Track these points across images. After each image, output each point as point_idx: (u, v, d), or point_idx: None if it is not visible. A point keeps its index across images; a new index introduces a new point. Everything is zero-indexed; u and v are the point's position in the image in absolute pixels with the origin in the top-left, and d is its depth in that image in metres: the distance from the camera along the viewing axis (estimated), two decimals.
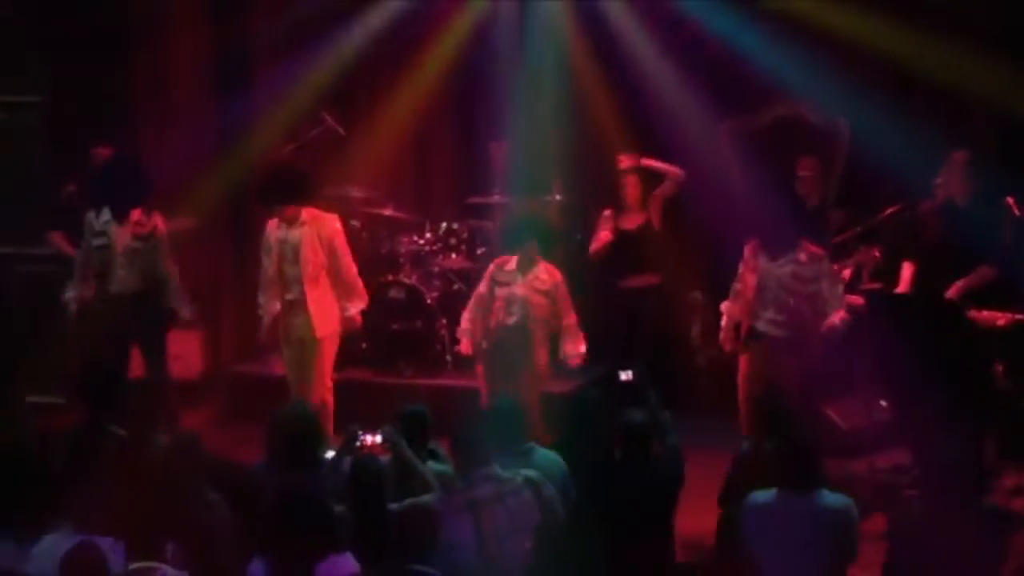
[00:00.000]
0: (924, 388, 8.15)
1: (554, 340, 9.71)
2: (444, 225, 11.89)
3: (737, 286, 9.17)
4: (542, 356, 9.61)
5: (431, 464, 7.37)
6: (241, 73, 12.08)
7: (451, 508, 6.80)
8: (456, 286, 11.56)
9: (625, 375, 8.35)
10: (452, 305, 11.38)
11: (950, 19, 10.49)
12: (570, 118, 11.52)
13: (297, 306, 9.65)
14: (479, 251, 11.79)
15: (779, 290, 8.90)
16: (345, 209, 11.18)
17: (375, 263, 11.47)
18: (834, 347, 9.06)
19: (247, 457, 7.86)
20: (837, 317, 8.77)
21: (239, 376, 11.56)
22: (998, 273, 8.71)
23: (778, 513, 6.63)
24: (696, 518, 7.87)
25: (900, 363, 8.44)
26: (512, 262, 9.64)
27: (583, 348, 9.65)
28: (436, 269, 11.65)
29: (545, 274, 9.57)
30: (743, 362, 9.08)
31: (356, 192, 11.82)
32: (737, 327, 9.09)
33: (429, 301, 11.26)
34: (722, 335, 9.26)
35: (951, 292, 8.76)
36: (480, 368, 9.84)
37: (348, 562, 6.09)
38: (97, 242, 9.84)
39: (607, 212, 10.88)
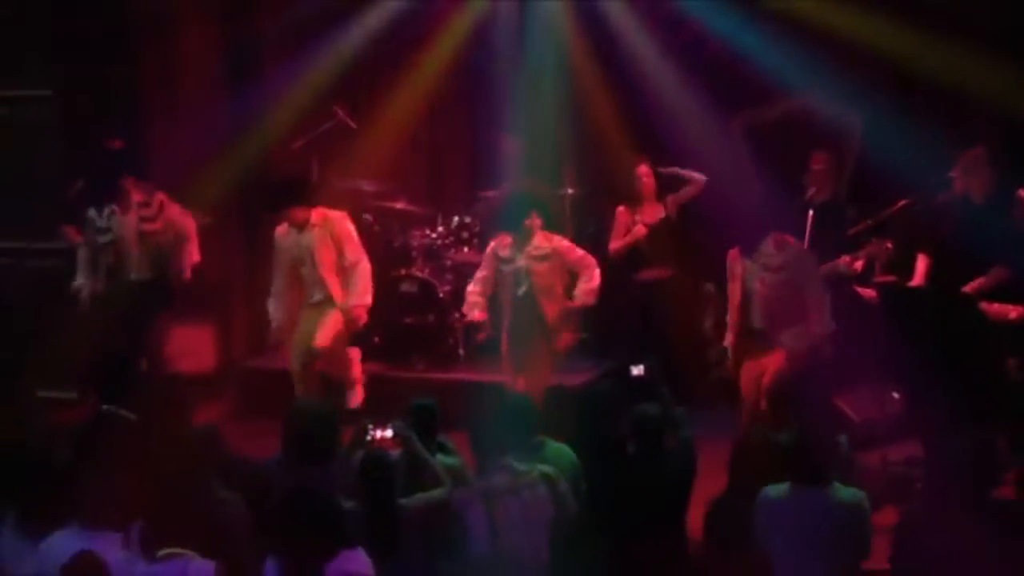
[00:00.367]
0: (936, 382, 8.13)
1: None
2: (456, 219, 11.89)
3: (729, 319, 9.38)
4: (560, 330, 9.65)
5: (440, 457, 7.39)
6: (250, 67, 12.08)
7: (465, 498, 6.82)
8: (468, 279, 11.51)
9: (637, 370, 8.34)
10: (464, 299, 11.38)
11: (952, 19, 10.48)
12: (577, 111, 11.54)
13: (326, 306, 9.78)
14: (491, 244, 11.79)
15: (761, 287, 9.06)
16: (357, 203, 11.21)
17: (387, 257, 11.49)
18: (843, 336, 9.10)
19: (259, 452, 7.86)
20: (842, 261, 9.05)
21: (251, 371, 11.57)
22: (1012, 273, 8.69)
23: (792, 507, 6.62)
24: None
25: (912, 356, 8.43)
26: (509, 239, 9.72)
27: (595, 283, 9.62)
28: (448, 263, 11.65)
29: (542, 241, 9.60)
30: (745, 367, 9.21)
31: (368, 186, 11.82)
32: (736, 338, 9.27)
33: (441, 295, 11.27)
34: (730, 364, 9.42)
35: (967, 290, 8.75)
36: (504, 349, 9.88)
37: (359, 558, 6.09)
38: (103, 239, 9.87)
39: (621, 208, 10.87)
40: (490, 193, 11.90)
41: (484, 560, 6.68)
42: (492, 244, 9.86)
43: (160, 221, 9.90)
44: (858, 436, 9.31)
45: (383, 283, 10.44)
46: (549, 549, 6.83)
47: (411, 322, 11.26)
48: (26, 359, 9.82)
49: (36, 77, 11.61)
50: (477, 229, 11.83)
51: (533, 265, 9.58)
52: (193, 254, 10.21)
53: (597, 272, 9.65)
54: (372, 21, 11.96)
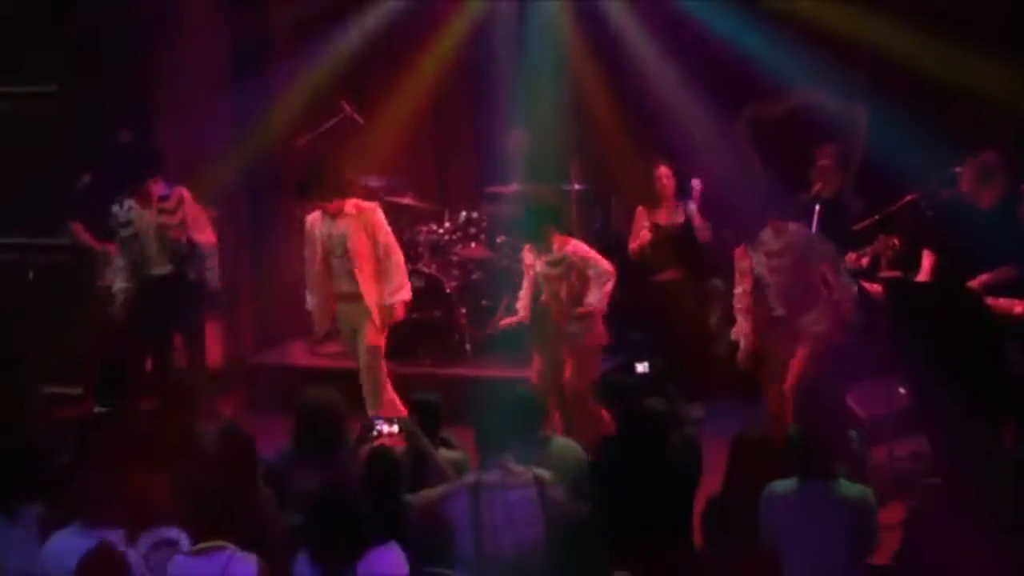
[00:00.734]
0: (942, 377, 8.13)
1: None
2: (463, 214, 11.90)
3: (737, 304, 9.30)
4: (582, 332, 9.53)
5: (442, 452, 7.41)
6: (257, 62, 12.10)
7: (453, 489, 6.84)
8: (475, 275, 11.56)
9: (641, 367, 8.35)
10: (471, 294, 11.42)
11: (956, 17, 10.49)
12: (580, 105, 11.55)
13: (351, 298, 9.66)
14: (498, 240, 11.80)
15: (768, 273, 9.03)
16: (364, 198, 11.19)
17: None
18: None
19: (267, 447, 7.88)
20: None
21: (258, 366, 11.58)
22: (1019, 271, 8.68)
23: (798, 502, 6.62)
24: None
25: (918, 351, 8.43)
26: (530, 247, 9.69)
27: (607, 289, 9.43)
28: (455, 258, 11.65)
29: (556, 246, 9.50)
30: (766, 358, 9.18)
31: (375, 181, 11.81)
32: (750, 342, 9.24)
33: (448, 290, 11.26)
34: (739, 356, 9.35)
35: (973, 284, 8.73)
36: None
37: (390, 556, 6.15)
38: (125, 233, 9.85)
39: (640, 209, 10.85)
40: (498, 190, 11.90)
41: (470, 551, 6.69)
42: (524, 249, 9.81)
43: (179, 216, 9.87)
44: (865, 432, 9.33)
45: None
46: (543, 551, 6.82)
47: (418, 317, 11.22)
48: (31, 355, 9.81)
49: (46, 72, 11.61)
50: (484, 225, 11.84)
51: (549, 272, 9.50)
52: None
53: (611, 279, 9.50)
54: (377, 18, 11.96)
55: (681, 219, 10.75)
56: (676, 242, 10.70)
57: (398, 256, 9.77)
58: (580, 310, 9.42)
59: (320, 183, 9.58)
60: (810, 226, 9.79)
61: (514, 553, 6.70)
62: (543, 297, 9.55)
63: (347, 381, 9.51)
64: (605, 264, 9.50)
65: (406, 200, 11.79)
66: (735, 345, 9.45)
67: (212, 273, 9.99)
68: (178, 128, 11.31)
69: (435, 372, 11.03)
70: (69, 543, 6.17)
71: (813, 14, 10.69)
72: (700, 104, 11.21)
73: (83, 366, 10.17)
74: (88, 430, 7.66)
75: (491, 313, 11.24)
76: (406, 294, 9.78)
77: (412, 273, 11.25)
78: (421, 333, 11.17)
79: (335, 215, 9.57)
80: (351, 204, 9.62)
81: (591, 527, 7.01)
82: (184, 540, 6.27)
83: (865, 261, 9.55)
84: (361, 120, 11.79)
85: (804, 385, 8.94)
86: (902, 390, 9.40)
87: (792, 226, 9.16)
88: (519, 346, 11.18)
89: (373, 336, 9.64)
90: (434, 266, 11.43)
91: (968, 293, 8.55)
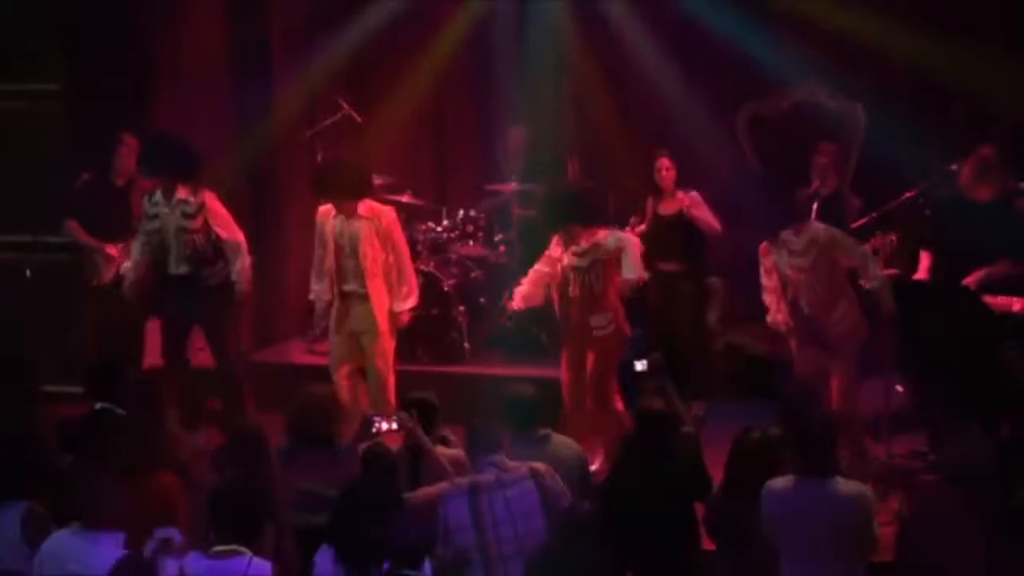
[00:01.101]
0: (940, 374, 8.14)
1: None
2: (461, 212, 11.89)
3: (767, 297, 9.11)
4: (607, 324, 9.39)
5: (441, 449, 7.42)
6: (258, 61, 12.10)
7: (451, 492, 6.84)
8: (473, 273, 11.56)
9: (640, 365, 8.34)
10: (469, 292, 11.41)
11: (959, 16, 10.50)
12: (581, 104, 11.56)
13: (354, 298, 9.54)
14: (496, 238, 11.81)
15: (792, 273, 8.84)
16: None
17: None
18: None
19: None
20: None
21: (257, 365, 11.56)
22: (1016, 266, 8.68)
23: (795, 498, 6.62)
24: None
25: (916, 349, 8.43)
26: (559, 239, 9.46)
27: (635, 274, 9.28)
28: (453, 256, 11.64)
29: (584, 239, 9.29)
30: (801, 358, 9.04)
31: (373, 179, 11.80)
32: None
33: (446, 288, 11.25)
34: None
35: (969, 280, 8.74)
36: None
37: None
38: (150, 226, 9.83)
39: (649, 200, 10.75)
40: (497, 187, 11.90)
41: (471, 551, 6.69)
42: (553, 242, 9.56)
43: (199, 220, 9.81)
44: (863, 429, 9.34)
45: None
46: (549, 543, 6.82)
47: (415, 315, 11.22)
48: (29, 353, 9.79)
49: (47, 70, 11.60)
50: (482, 222, 11.84)
51: (576, 262, 9.30)
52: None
53: (637, 248, 9.32)
54: (377, 16, 11.98)
55: (676, 209, 10.66)
56: (675, 232, 10.63)
57: (410, 262, 9.72)
58: (624, 287, 9.32)
59: (340, 181, 9.48)
60: None
61: (516, 545, 6.70)
62: (572, 290, 9.36)
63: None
64: (627, 236, 9.43)
65: (404, 198, 11.76)
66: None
67: (238, 273, 9.89)
68: (178, 127, 11.27)
69: (432, 370, 11.01)
70: (69, 544, 6.17)
71: (813, 14, 10.71)
72: (700, 102, 11.24)
73: (82, 364, 10.16)
74: (89, 428, 7.65)
75: (494, 311, 11.27)
76: (414, 301, 9.72)
77: None
78: (419, 331, 11.13)
79: (348, 214, 9.48)
80: (366, 206, 9.53)
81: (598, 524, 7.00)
82: (181, 541, 6.26)
83: None
84: (359, 118, 11.79)
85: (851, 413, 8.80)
86: (899, 388, 9.43)
87: (814, 224, 9.00)
88: (518, 345, 11.26)
89: (384, 342, 9.58)
90: (432, 264, 11.42)
91: (965, 291, 8.56)
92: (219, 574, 5.98)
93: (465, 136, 12.90)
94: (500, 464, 6.86)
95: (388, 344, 9.62)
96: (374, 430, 7.52)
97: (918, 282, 9.07)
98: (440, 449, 7.46)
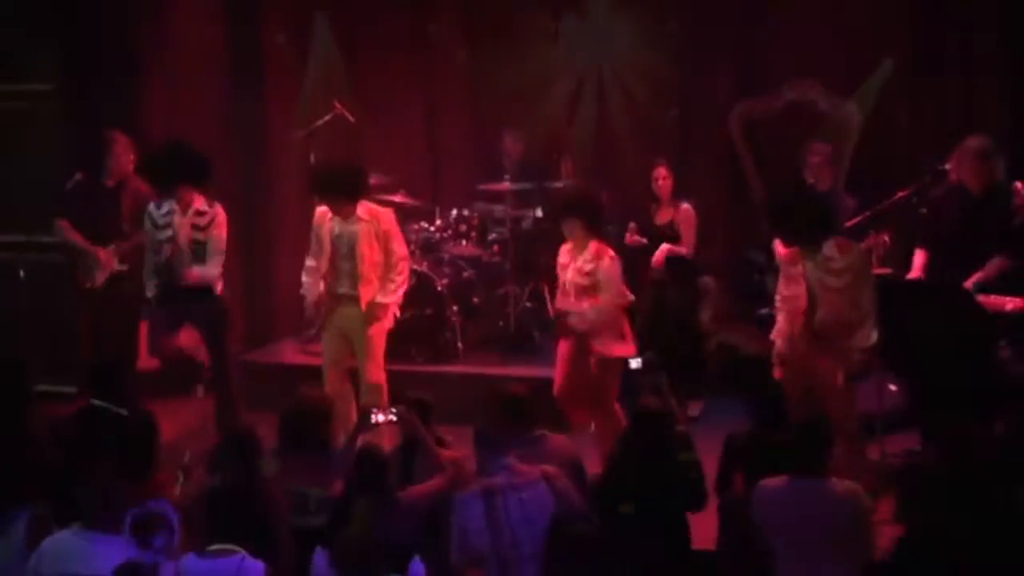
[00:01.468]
0: (933, 374, 8.14)
1: None
2: (455, 212, 11.90)
3: (780, 305, 8.73)
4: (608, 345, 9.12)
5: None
6: (253, 62, 12.10)
7: (465, 494, 6.84)
8: (466, 273, 11.56)
9: (635, 363, 8.34)
10: (462, 292, 11.41)
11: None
12: (577, 107, 11.59)
13: (347, 300, 9.48)
14: (489, 238, 11.80)
15: (823, 291, 8.46)
16: None
17: None
18: None
19: None
20: None
21: (247, 365, 11.55)
22: (1010, 264, 8.69)
23: (789, 498, 6.63)
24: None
25: (909, 348, 8.44)
26: (570, 245, 9.28)
27: (623, 300, 9.16)
28: (446, 256, 11.64)
29: (591, 254, 9.11)
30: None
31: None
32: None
33: (439, 288, 11.24)
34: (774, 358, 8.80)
35: (966, 284, 8.74)
36: None
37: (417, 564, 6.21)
38: (161, 236, 9.70)
39: (651, 207, 10.73)
40: (490, 187, 11.90)
41: (485, 552, 6.69)
42: (563, 247, 9.38)
43: (209, 233, 9.74)
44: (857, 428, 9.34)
45: None
46: (551, 542, 6.84)
47: (409, 315, 11.23)
48: (24, 352, 9.77)
49: (41, 71, 11.59)
50: (475, 222, 11.83)
51: (578, 280, 9.10)
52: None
53: (616, 275, 9.11)
54: (372, 15, 12.00)
55: (670, 220, 10.64)
56: (666, 242, 10.64)
57: (407, 263, 9.68)
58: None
59: (339, 184, 9.40)
60: None
61: (531, 548, 6.72)
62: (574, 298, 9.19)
63: None
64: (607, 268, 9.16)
65: (398, 198, 11.74)
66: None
67: (208, 267, 9.81)
68: (172, 126, 11.27)
69: (426, 370, 11.01)
70: (70, 545, 6.16)
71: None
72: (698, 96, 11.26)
73: (76, 364, 10.16)
74: (86, 426, 7.64)
75: (482, 312, 11.28)
76: (398, 297, 9.63)
77: None
78: (412, 331, 11.13)
79: (346, 216, 9.42)
80: (363, 209, 9.46)
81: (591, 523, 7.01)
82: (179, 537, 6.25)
83: None
84: (352, 118, 11.78)
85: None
86: (893, 387, 9.43)
87: (855, 247, 8.63)
88: (512, 345, 11.27)
89: (375, 343, 9.51)
90: (425, 264, 11.41)
91: (959, 290, 8.57)
92: (213, 573, 5.98)
93: (458, 135, 12.89)
94: (512, 467, 6.86)
95: (379, 345, 9.57)
96: (372, 422, 7.51)
97: (912, 281, 9.07)
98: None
